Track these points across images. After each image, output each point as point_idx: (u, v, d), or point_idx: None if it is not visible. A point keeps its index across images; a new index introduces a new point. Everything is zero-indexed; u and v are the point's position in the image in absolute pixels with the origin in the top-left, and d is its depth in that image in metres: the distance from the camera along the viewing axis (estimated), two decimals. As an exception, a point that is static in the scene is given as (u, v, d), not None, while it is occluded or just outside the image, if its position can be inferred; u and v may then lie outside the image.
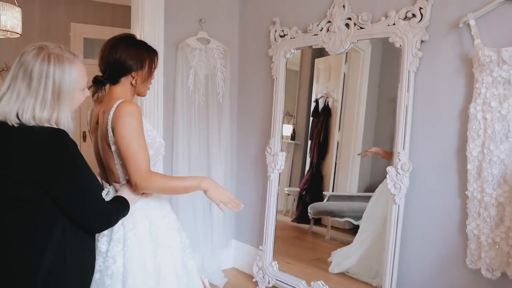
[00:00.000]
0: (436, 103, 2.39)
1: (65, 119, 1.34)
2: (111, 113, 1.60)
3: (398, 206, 2.48)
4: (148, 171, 1.58)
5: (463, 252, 2.28)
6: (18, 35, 3.77)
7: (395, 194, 2.47)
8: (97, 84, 1.74)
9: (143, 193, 1.66)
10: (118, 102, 1.61)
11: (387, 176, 2.50)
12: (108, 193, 1.69)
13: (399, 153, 2.46)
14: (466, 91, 2.24)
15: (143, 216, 1.66)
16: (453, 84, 2.31)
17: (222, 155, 3.53)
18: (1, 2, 3.52)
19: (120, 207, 1.53)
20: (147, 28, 3.05)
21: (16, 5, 3.69)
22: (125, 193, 1.59)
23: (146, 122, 1.72)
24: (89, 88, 1.66)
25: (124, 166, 1.61)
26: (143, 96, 1.85)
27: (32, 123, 1.26)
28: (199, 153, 3.42)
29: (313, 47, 2.99)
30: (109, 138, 1.61)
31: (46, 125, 1.29)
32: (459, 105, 2.28)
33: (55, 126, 1.31)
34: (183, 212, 3.28)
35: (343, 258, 3.06)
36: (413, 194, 2.49)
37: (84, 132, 5.31)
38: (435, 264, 2.45)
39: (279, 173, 3.27)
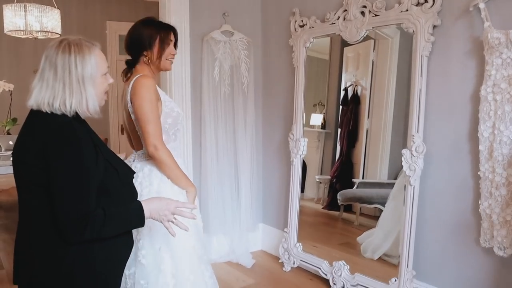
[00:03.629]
0: (449, 86, 2.43)
1: (92, 103, 1.42)
2: (130, 86, 1.83)
3: (413, 187, 2.55)
4: (161, 138, 1.78)
5: (476, 231, 2.34)
6: (58, 35, 4.03)
7: (410, 176, 2.54)
8: (128, 65, 1.96)
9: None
10: (136, 77, 1.84)
11: (402, 158, 2.57)
12: (134, 160, 1.92)
13: (413, 135, 2.52)
14: (477, 74, 2.27)
15: (158, 176, 1.84)
16: (465, 67, 2.34)
17: (248, 142, 3.67)
18: (41, 5, 3.78)
19: (119, 221, 1.39)
20: (174, 22, 3.10)
21: (55, 7, 3.95)
22: (150, 202, 1.48)
23: (164, 94, 1.92)
24: (122, 72, 1.94)
25: (140, 132, 1.82)
26: (168, 70, 1.98)
27: (59, 110, 1.36)
28: (225, 140, 3.57)
29: (330, 35, 3.06)
30: (129, 108, 1.83)
31: (73, 111, 1.38)
32: (471, 88, 2.31)
33: (84, 111, 1.40)
34: (211, 198, 3.46)
35: (369, 242, 3.14)
36: (427, 175, 2.55)
37: (121, 125, 5.59)
38: (450, 243, 2.50)
39: (302, 158, 3.37)
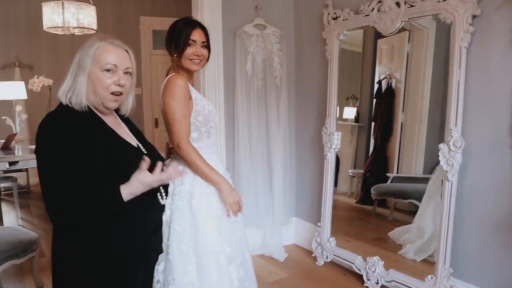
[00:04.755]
0: (489, 79, 2.34)
1: (79, 93, 1.41)
2: (163, 84, 1.87)
3: (451, 183, 2.48)
4: (188, 138, 1.80)
5: (517, 229, 2.26)
6: (94, 31, 4.13)
7: (447, 171, 2.47)
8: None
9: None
10: (169, 76, 1.89)
11: (439, 153, 2.50)
12: (172, 156, 1.95)
13: (451, 130, 2.44)
14: (520, 65, 2.19)
15: (190, 176, 1.85)
16: (506, 59, 2.25)
17: (281, 136, 3.67)
18: (78, 2, 3.87)
19: (94, 204, 1.37)
20: (206, 17, 3.22)
21: (91, 3, 4.03)
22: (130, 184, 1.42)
23: (196, 92, 1.93)
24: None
25: (168, 130, 1.86)
26: (194, 70, 1.94)
27: (62, 99, 1.43)
28: (259, 134, 3.58)
29: (364, 28, 3.01)
30: (161, 105, 1.87)
31: (64, 97, 1.42)
32: (513, 80, 2.23)
33: (70, 98, 1.42)
34: (245, 191, 3.46)
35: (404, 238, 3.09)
36: (466, 170, 2.47)
37: (156, 119, 5.68)
38: (489, 240, 2.43)
39: (335, 152, 3.35)
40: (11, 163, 3.59)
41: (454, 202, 2.50)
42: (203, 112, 1.89)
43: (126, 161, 1.43)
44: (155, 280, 1.78)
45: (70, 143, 1.34)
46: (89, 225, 1.38)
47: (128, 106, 1.61)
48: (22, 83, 5.26)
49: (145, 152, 1.57)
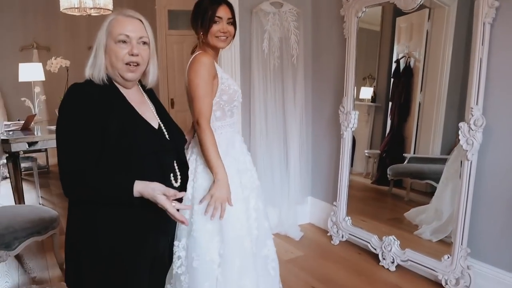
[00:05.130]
0: (513, 56, 2.28)
1: (99, 67, 1.44)
2: (189, 62, 1.85)
3: (470, 162, 2.45)
4: (208, 117, 1.78)
5: (538, 209, 2.22)
6: (110, 11, 4.12)
7: (467, 150, 2.44)
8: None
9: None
10: (195, 54, 1.86)
11: (459, 132, 2.46)
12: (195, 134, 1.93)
13: (472, 108, 2.40)
14: (546, 41, 2.12)
15: None
16: (532, 34, 2.19)
17: (297, 115, 3.65)
18: (94, -18, 3.86)
19: (105, 189, 1.37)
20: None
21: (107, -17, 4.02)
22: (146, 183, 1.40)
23: (222, 71, 1.91)
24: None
25: (190, 107, 1.85)
26: (220, 47, 1.92)
27: (86, 76, 1.46)
28: (275, 113, 3.56)
29: (383, 4, 2.94)
30: (186, 83, 1.87)
31: (89, 72, 1.45)
32: (538, 56, 2.17)
33: (92, 74, 1.44)
34: (261, 170, 3.46)
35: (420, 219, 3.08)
36: (486, 150, 2.44)
37: (172, 99, 5.69)
38: (508, 220, 2.40)
39: (352, 132, 3.32)
40: (30, 144, 3.65)
41: (473, 182, 2.47)
42: (228, 91, 1.87)
43: (139, 142, 1.42)
44: (175, 256, 1.80)
45: (86, 117, 1.35)
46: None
47: (150, 77, 1.58)
48: (40, 64, 5.31)
49: (166, 133, 1.55)
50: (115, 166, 1.39)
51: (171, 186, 1.51)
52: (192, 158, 1.87)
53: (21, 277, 2.91)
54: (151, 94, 1.65)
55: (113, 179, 1.37)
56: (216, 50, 1.92)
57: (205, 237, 1.78)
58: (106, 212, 1.40)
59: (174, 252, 1.79)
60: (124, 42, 1.44)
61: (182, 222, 1.41)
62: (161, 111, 1.62)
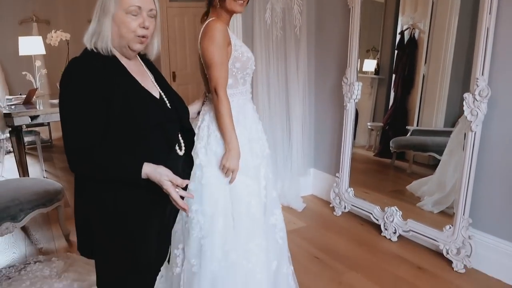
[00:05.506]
0: (521, 24, 2.24)
1: (104, 37, 1.38)
2: (202, 29, 1.81)
3: (474, 133, 2.44)
4: (225, 84, 1.76)
5: (541, 179, 2.23)
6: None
7: (471, 121, 2.43)
8: (207, 9, 1.90)
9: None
10: (208, 20, 1.81)
11: (464, 103, 2.45)
12: (204, 102, 1.92)
13: (477, 78, 2.37)
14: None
15: None
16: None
17: (300, 86, 3.62)
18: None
19: (113, 167, 1.36)
20: None
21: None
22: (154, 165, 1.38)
23: (235, 38, 1.87)
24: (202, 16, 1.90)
25: (204, 77, 1.83)
26: (238, 12, 1.86)
27: (87, 44, 1.40)
28: (277, 85, 3.54)
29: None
30: (199, 50, 1.82)
31: (89, 42, 1.39)
32: (546, 25, 2.13)
33: (95, 43, 1.39)
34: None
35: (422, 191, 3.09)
36: (491, 121, 2.42)
37: (173, 73, 5.65)
38: (510, 191, 2.41)
39: (355, 103, 3.31)
40: (32, 118, 3.65)
41: (476, 153, 2.47)
42: (242, 58, 1.85)
43: (144, 114, 1.40)
44: (183, 221, 1.82)
45: (90, 91, 1.32)
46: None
47: (153, 49, 1.56)
48: (40, 38, 5.26)
49: (168, 102, 1.53)
50: (121, 140, 1.37)
51: (177, 156, 1.52)
52: (204, 124, 1.85)
53: (28, 248, 2.96)
54: (148, 63, 1.62)
55: (120, 160, 1.36)
56: (230, 16, 1.87)
57: (212, 203, 1.80)
58: (115, 187, 1.40)
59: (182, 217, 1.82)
60: (133, 13, 1.40)
61: (184, 210, 1.42)
62: (160, 80, 1.59)
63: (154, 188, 1.41)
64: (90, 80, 1.33)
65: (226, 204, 1.80)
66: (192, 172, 1.68)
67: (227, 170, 1.77)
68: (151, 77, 1.57)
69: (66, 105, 1.35)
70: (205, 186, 1.80)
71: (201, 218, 1.78)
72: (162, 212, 1.56)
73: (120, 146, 1.37)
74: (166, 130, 1.48)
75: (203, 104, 1.95)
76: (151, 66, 1.62)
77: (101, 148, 1.34)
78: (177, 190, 1.38)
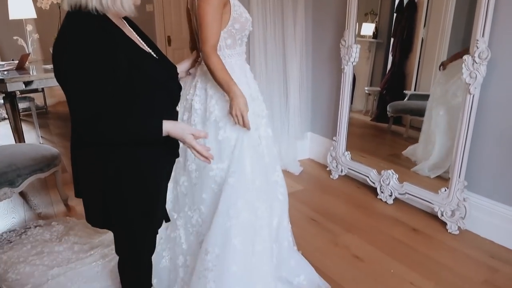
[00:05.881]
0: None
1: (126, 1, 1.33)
2: None
3: (472, 96, 2.43)
4: (214, 46, 1.72)
5: (538, 142, 2.23)
6: None
7: (470, 84, 2.41)
8: None
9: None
10: None
11: (463, 65, 2.42)
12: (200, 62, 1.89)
13: (478, 40, 2.34)
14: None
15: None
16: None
17: (298, 49, 3.57)
18: None
19: (130, 130, 1.32)
20: None
21: None
22: (172, 122, 1.40)
23: None
24: None
25: (197, 35, 1.79)
26: None
27: (83, 7, 1.28)
28: (275, 47, 3.48)
29: None
30: (195, 10, 1.78)
31: (94, 7, 1.28)
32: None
33: (119, 8, 1.31)
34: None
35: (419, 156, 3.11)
36: (489, 84, 2.41)
37: (168, 37, 5.54)
38: (506, 154, 2.43)
39: (353, 66, 3.27)
40: (26, 84, 3.60)
41: (474, 116, 2.46)
42: (240, 19, 1.81)
43: (150, 74, 1.37)
44: (189, 182, 1.84)
45: (96, 54, 1.23)
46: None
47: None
48: (30, 0, 5.12)
49: (158, 60, 1.50)
50: (129, 102, 1.33)
51: (177, 113, 1.55)
52: (200, 85, 1.84)
53: (27, 213, 2.98)
54: (131, 23, 1.55)
55: (138, 121, 1.34)
56: None
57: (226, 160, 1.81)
58: (126, 149, 1.38)
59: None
60: None
61: (208, 160, 1.44)
62: (147, 40, 1.56)
63: (166, 142, 1.43)
64: (94, 45, 1.24)
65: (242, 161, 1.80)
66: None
67: (237, 117, 1.73)
68: (135, 35, 1.51)
69: (72, 69, 1.24)
70: (221, 143, 1.80)
71: (218, 173, 1.79)
72: (171, 166, 1.58)
73: (129, 108, 1.33)
74: (170, 88, 1.47)
75: (194, 64, 1.91)
76: (133, 26, 1.55)
77: (114, 112, 1.29)
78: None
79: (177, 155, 1.59)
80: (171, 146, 1.49)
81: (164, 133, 1.36)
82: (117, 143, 1.35)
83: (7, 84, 3.46)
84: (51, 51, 1.33)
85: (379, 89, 3.57)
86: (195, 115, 1.82)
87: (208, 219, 1.81)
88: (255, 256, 1.76)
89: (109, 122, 1.28)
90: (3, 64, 4.31)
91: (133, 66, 1.31)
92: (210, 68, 1.72)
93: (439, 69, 2.93)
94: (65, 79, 1.27)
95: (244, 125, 1.73)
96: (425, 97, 3.22)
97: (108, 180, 1.39)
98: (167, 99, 1.45)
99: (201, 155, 1.42)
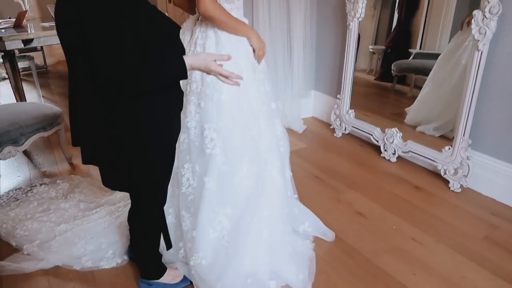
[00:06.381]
0: None
1: None
2: None
3: (481, 53, 2.38)
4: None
5: (545, 100, 2.21)
6: None
7: (478, 40, 2.36)
8: None
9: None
10: None
11: (473, 21, 2.36)
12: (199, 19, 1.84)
13: (489, -6, 2.27)
14: None
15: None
16: None
17: (302, 4, 3.48)
18: None
19: (158, 73, 1.33)
20: None
21: None
22: (191, 55, 1.42)
23: None
24: None
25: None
26: None
27: None
28: (278, 2, 3.39)
29: None
30: None
31: None
32: None
33: None
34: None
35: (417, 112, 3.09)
36: (499, 41, 2.35)
37: (168, -6, 5.42)
38: (513, 113, 2.41)
39: (359, 23, 3.20)
40: (25, 42, 3.53)
41: (481, 73, 2.42)
42: None
43: (168, 28, 1.36)
44: (189, 139, 1.84)
45: (120, 7, 1.21)
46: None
47: None
48: (25, -45, 4.97)
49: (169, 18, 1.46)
50: (145, 58, 1.30)
51: None
52: (201, 42, 1.79)
53: (32, 172, 3.00)
54: None
55: (162, 66, 1.32)
56: None
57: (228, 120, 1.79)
58: (146, 99, 1.36)
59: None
60: None
61: (237, 82, 1.48)
62: None
63: (178, 91, 1.46)
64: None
65: (243, 120, 1.79)
66: (202, 90, 1.69)
67: (260, 51, 1.78)
68: None
69: (97, 24, 1.20)
70: (221, 103, 1.77)
71: (214, 136, 1.78)
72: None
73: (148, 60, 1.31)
74: (180, 45, 1.45)
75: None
76: None
77: (138, 64, 1.26)
78: None
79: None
80: (181, 92, 1.49)
81: (189, 68, 1.38)
82: (143, 93, 1.32)
83: (5, 42, 3.40)
84: (50, 10, 1.28)
85: (383, 47, 3.50)
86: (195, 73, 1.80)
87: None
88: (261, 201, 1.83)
89: (136, 71, 1.26)
90: (0, 22, 4.23)
91: (150, 22, 1.30)
92: (215, 16, 1.66)
93: (461, 29, 2.84)
94: (90, 34, 1.22)
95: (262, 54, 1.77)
96: (431, 55, 3.16)
97: (133, 132, 1.38)
98: (178, 51, 1.43)
99: (230, 78, 1.45)
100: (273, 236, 1.87)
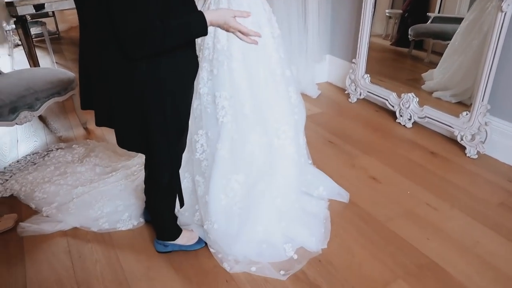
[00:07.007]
0: None
1: None
2: None
3: (504, 14, 2.29)
4: None
5: None
6: None
7: (502, 0, 2.27)
8: None
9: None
10: None
11: (496, -21, 2.27)
12: None
13: (514, -50, 2.17)
14: None
15: None
16: None
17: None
18: None
19: (180, 30, 1.30)
20: None
21: None
22: (212, 12, 1.39)
23: None
24: None
25: None
26: None
27: None
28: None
29: None
30: None
31: None
32: None
33: None
34: (279, 25, 3.33)
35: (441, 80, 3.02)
36: (523, -1, 2.26)
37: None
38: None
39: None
40: (37, 7, 3.50)
41: (504, 36, 2.34)
42: None
43: None
44: (202, 105, 1.84)
45: None
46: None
47: None
48: None
49: None
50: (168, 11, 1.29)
51: None
52: (213, 6, 1.75)
53: (48, 137, 3.03)
54: None
55: (183, 22, 1.31)
56: None
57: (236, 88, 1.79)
58: (167, 61, 1.36)
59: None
60: None
61: (255, 40, 1.44)
62: None
63: (194, 52, 1.45)
64: None
65: (254, 88, 1.78)
66: (215, 57, 1.68)
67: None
68: None
69: None
70: (233, 71, 1.76)
71: (226, 104, 1.77)
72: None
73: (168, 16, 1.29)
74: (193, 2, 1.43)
75: None
76: None
77: (162, 18, 1.25)
78: None
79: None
80: (196, 56, 1.48)
81: (208, 24, 1.36)
82: (166, 50, 1.32)
83: (17, 8, 3.37)
84: None
85: (401, 11, 3.41)
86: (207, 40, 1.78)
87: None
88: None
89: (160, 26, 1.24)
90: (12, -14, 4.18)
91: None
92: None
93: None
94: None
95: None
96: (450, 20, 3.07)
97: (154, 91, 1.37)
98: (192, 10, 1.41)
99: (249, 34, 1.42)
100: (286, 203, 1.89)
